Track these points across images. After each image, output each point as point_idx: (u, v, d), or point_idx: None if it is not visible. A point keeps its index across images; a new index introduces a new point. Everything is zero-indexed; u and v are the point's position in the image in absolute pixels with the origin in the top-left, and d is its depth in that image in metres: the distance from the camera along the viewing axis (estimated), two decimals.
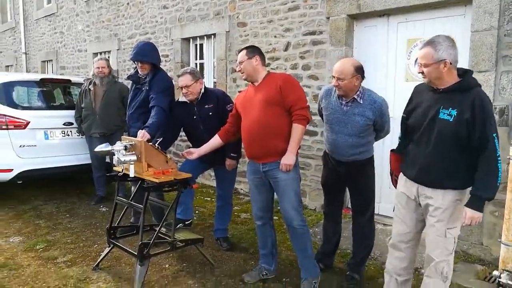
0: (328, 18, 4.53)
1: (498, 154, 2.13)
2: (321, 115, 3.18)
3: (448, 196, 2.27)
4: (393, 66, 4.21)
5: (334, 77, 2.81)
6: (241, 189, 5.71)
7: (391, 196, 3.98)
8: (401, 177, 2.53)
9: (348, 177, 3.02)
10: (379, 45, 4.30)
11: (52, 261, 3.43)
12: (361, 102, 2.82)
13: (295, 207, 2.83)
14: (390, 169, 2.71)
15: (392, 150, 2.68)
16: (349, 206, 3.35)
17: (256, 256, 3.46)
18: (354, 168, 2.93)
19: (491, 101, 2.66)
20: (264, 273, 3.12)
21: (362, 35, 4.45)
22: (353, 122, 2.84)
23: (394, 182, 2.68)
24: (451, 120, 2.21)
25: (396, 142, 2.70)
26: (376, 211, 3.60)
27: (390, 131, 3.05)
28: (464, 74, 2.27)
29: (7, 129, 4.76)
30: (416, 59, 4.00)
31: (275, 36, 5.17)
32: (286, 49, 5.05)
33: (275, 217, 3.34)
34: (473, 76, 2.28)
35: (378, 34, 4.30)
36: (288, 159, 2.74)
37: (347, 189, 3.20)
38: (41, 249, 3.68)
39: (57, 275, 3.16)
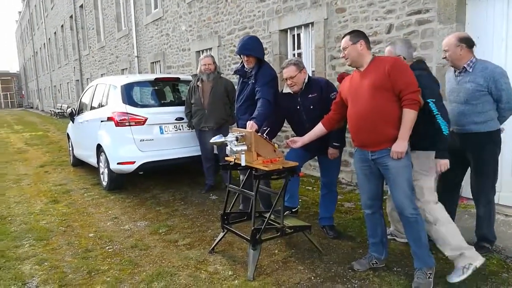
0: None
1: None
2: None
3: None
4: None
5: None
6: (343, 179, 5.65)
7: None
8: None
9: (464, 151, 3.03)
10: (497, 18, 3.89)
11: (174, 243, 3.79)
12: (471, 71, 2.98)
13: (407, 196, 2.73)
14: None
15: None
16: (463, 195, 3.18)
17: (363, 245, 3.42)
18: (470, 141, 2.76)
19: None
20: (375, 262, 3.07)
21: (476, 8, 4.06)
22: (464, 90, 3.00)
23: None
24: None
25: None
26: (496, 201, 3.31)
27: None
28: None
29: (130, 125, 5.32)
30: None
31: (376, 19, 4.98)
32: (388, 32, 4.84)
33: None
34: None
35: (495, 5, 3.90)
36: (399, 146, 2.64)
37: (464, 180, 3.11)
38: (163, 233, 4.08)
39: (179, 256, 3.48)
